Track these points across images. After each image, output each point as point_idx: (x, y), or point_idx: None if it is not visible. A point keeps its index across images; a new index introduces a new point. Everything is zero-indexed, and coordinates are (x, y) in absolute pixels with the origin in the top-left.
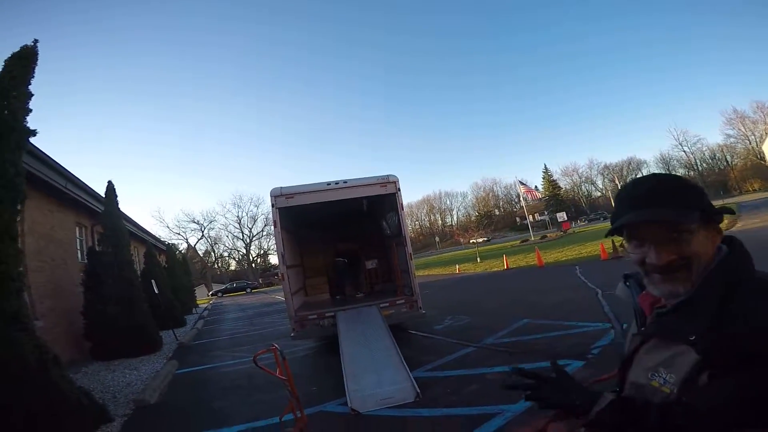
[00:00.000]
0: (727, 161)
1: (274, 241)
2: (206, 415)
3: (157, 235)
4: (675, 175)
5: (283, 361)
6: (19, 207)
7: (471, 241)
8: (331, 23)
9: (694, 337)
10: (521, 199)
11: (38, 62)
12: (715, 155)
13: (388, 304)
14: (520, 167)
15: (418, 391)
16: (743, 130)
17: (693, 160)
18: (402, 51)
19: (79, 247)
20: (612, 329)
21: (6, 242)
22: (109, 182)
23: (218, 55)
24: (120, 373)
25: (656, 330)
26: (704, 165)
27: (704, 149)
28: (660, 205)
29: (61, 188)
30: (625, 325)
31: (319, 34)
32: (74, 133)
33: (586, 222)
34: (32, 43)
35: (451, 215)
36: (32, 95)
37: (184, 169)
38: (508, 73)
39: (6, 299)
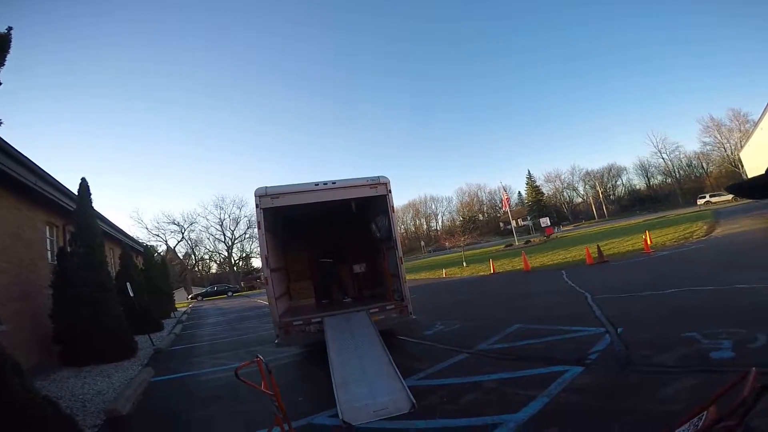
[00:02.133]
0: (703, 168)
1: (257, 244)
2: (183, 427)
3: (134, 237)
4: None
5: (268, 375)
6: None
7: (457, 245)
8: (315, 28)
9: None
10: (505, 204)
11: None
12: (691, 162)
13: (377, 309)
14: (505, 173)
15: (414, 401)
16: (719, 137)
17: (671, 167)
18: (387, 54)
19: (49, 248)
20: (606, 333)
21: None
22: (83, 179)
23: (203, 57)
24: (91, 380)
25: None
26: (681, 172)
27: (681, 156)
28: None
29: (31, 185)
30: (620, 330)
31: (303, 38)
32: (51, 130)
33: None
34: (6, 31)
35: (437, 220)
36: (0, 83)
37: (164, 170)
38: (494, 80)
39: None
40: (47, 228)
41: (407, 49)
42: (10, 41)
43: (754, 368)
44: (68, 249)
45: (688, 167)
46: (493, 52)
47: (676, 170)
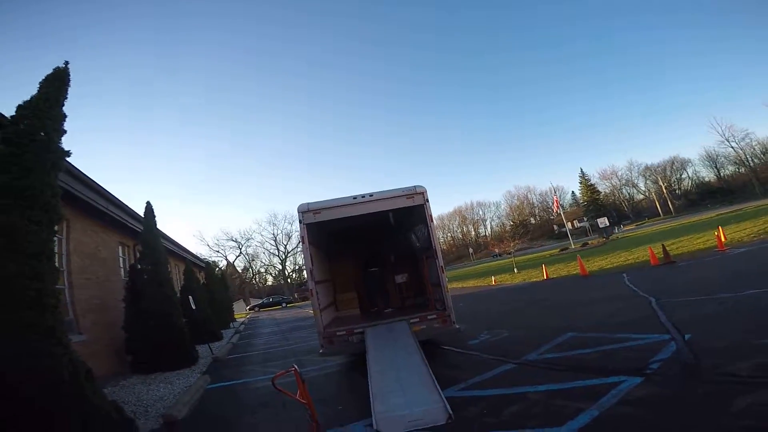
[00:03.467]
0: None
1: None
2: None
3: (198, 254)
4: None
5: (303, 384)
6: (56, 228)
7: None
8: (354, 37)
9: None
10: (556, 206)
11: (71, 83)
12: (766, 149)
13: (418, 320)
14: (555, 173)
15: (451, 412)
16: None
17: (743, 155)
18: (428, 63)
19: (121, 265)
20: (672, 341)
21: (43, 261)
22: (148, 203)
23: (254, 76)
24: (155, 386)
25: None
26: (756, 160)
27: (754, 143)
28: None
29: (103, 210)
30: (687, 336)
31: (343, 51)
32: (118, 155)
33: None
34: (64, 65)
35: (485, 225)
36: (66, 116)
37: (222, 190)
38: (538, 78)
39: (42, 315)
40: (120, 247)
41: (453, 56)
42: (69, 75)
43: None
44: (138, 266)
45: (763, 154)
46: (544, 54)
47: (750, 159)
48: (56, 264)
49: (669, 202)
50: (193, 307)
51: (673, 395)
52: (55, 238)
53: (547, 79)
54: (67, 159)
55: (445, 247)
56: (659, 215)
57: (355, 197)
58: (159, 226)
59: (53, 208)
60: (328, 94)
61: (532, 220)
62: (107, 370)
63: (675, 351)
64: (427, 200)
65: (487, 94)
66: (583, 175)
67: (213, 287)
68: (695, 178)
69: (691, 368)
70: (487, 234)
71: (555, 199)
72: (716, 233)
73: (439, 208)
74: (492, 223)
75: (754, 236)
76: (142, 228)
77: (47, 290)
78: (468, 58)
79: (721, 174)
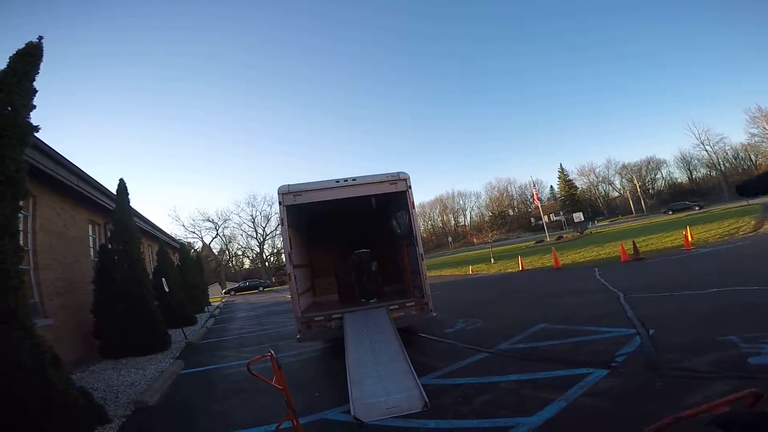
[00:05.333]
0: (751, 160)
1: None
2: (205, 418)
3: (172, 234)
4: None
5: (279, 369)
6: (21, 203)
7: (485, 241)
8: (343, 19)
9: None
10: (535, 199)
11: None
12: (738, 154)
13: (397, 306)
14: (536, 167)
15: (427, 400)
16: None
17: (716, 159)
18: (414, 49)
19: (91, 245)
20: (637, 335)
21: (5, 239)
22: (121, 180)
23: (235, 55)
24: (126, 372)
25: None
26: (727, 165)
27: (727, 148)
28: None
29: (72, 186)
30: (651, 331)
31: (329, 33)
32: (91, 132)
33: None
34: (37, 40)
35: (465, 215)
36: (36, 91)
37: (199, 169)
38: (523, 71)
39: (2, 297)
40: (90, 226)
41: (437, 44)
42: (42, 50)
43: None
44: (109, 246)
45: (735, 159)
46: (524, 46)
47: (722, 163)
48: (20, 243)
49: (642, 201)
50: (166, 289)
51: (635, 388)
52: (20, 215)
53: (534, 71)
54: (36, 134)
55: (425, 236)
56: (632, 213)
57: (337, 180)
58: (132, 204)
59: (18, 183)
60: (313, 76)
61: (511, 212)
62: (75, 355)
63: (639, 345)
64: (410, 187)
65: (470, 81)
66: (562, 170)
67: (187, 269)
68: (669, 178)
69: (653, 362)
70: (466, 224)
71: (534, 191)
72: (684, 233)
73: (421, 195)
74: (472, 213)
75: (719, 237)
76: (113, 206)
77: (10, 271)
78: (458, 39)
79: (693, 176)
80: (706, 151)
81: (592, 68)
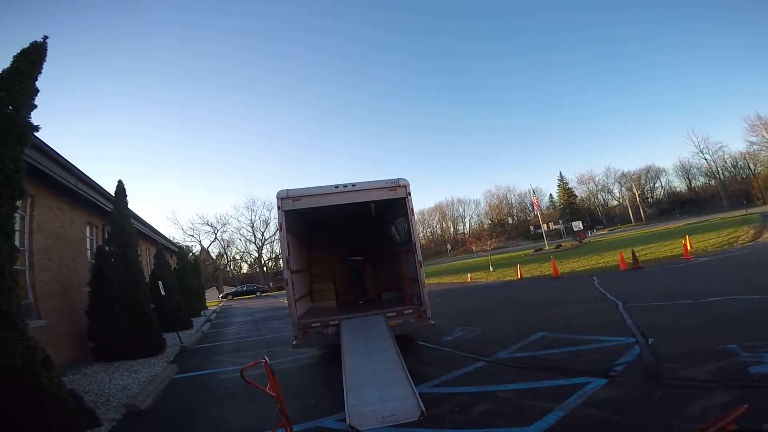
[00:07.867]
0: (750, 169)
1: None
2: (196, 424)
3: (171, 237)
4: None
5: (273, 376)
6: (18, 203)
7: (484, 248)
8: (342, 25)
9: None
10: (535, 207)
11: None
12: (737, 163)
13: (395, 314)
14: (535, 175)
15: (423, 409)
16: (767, 137)
17: (714, 168)
18: (416, 54)
19: (89, 247)
20: (636, 344)
21: (0, 239)
22: (119, 182)
23: (236, 57)
24: (119, 375)
25: None
26: (726, 173)
27: (726, 157)
28: None
29: (71, 187)
30: (651, 340)
31: (336, 33)
32: (92, 131)
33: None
34: (42, 39)
35: (464, 223)
36: (38, 91)
37: (199, 172)
38: (523, 79)
39: None
40: (87, 228)
41: (436, 47)
42: (46, 50)
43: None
44: (106, 248)
45: (734, 168)
46: (525, 50)
47: (721, 171)
48: (16, 243)
49: (641, 210)
50: (163, 293)
51: (634, 398)
52: (17, 215)
53: (533, 83)
54: (36, 134)
55: (424, 243)
56: (631, 222)
57: (336, 186)
58: (131, 206)
59: (15, 183)
60: (314, 80)
61: (510, 220)
62: (68, 357)
63: (638, 354)
64: (409, 193)
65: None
66: (561, 178)
67: (185, 273)
68: (668, 187)
69: (652, 372)
70: (465, 231)
71: (534, 199)
72: (683, 242)
73: (420, 202)
74: (471, 220)
75: (718, 247)
76: (112, 207)
77: (4, 271)
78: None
79: (692, 185)
80: (705, 159)
81: (593, 78)
